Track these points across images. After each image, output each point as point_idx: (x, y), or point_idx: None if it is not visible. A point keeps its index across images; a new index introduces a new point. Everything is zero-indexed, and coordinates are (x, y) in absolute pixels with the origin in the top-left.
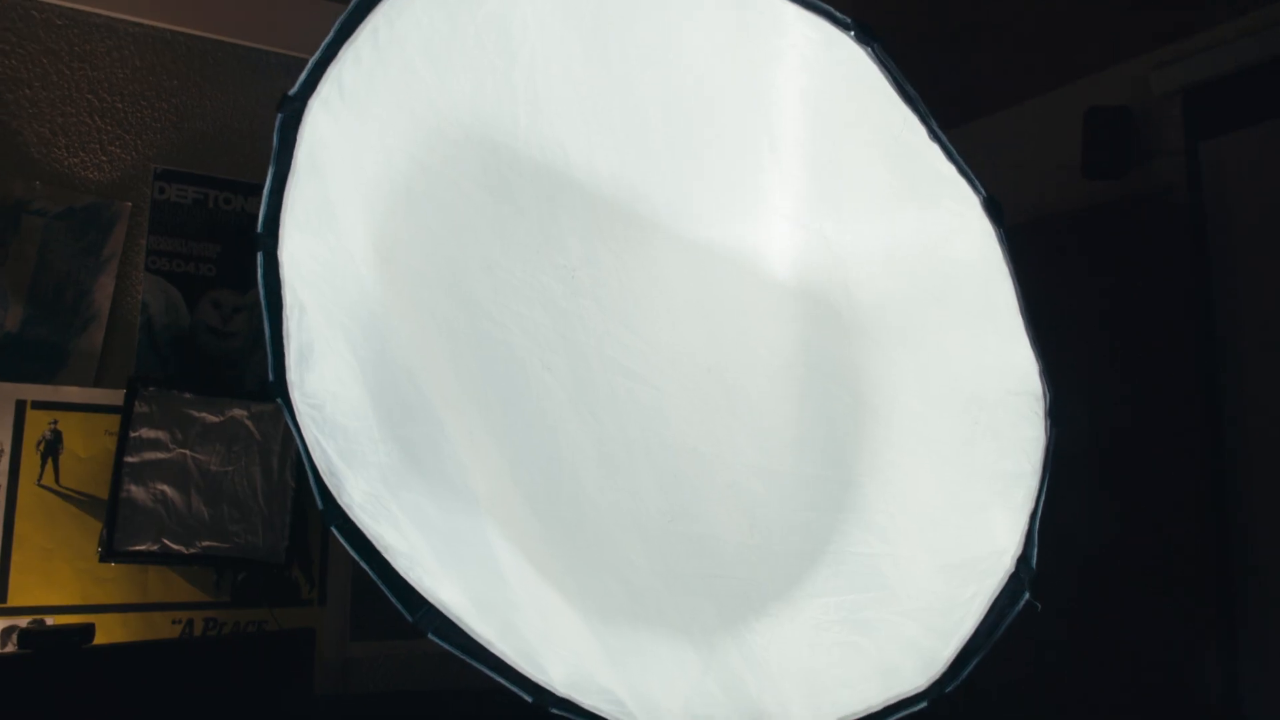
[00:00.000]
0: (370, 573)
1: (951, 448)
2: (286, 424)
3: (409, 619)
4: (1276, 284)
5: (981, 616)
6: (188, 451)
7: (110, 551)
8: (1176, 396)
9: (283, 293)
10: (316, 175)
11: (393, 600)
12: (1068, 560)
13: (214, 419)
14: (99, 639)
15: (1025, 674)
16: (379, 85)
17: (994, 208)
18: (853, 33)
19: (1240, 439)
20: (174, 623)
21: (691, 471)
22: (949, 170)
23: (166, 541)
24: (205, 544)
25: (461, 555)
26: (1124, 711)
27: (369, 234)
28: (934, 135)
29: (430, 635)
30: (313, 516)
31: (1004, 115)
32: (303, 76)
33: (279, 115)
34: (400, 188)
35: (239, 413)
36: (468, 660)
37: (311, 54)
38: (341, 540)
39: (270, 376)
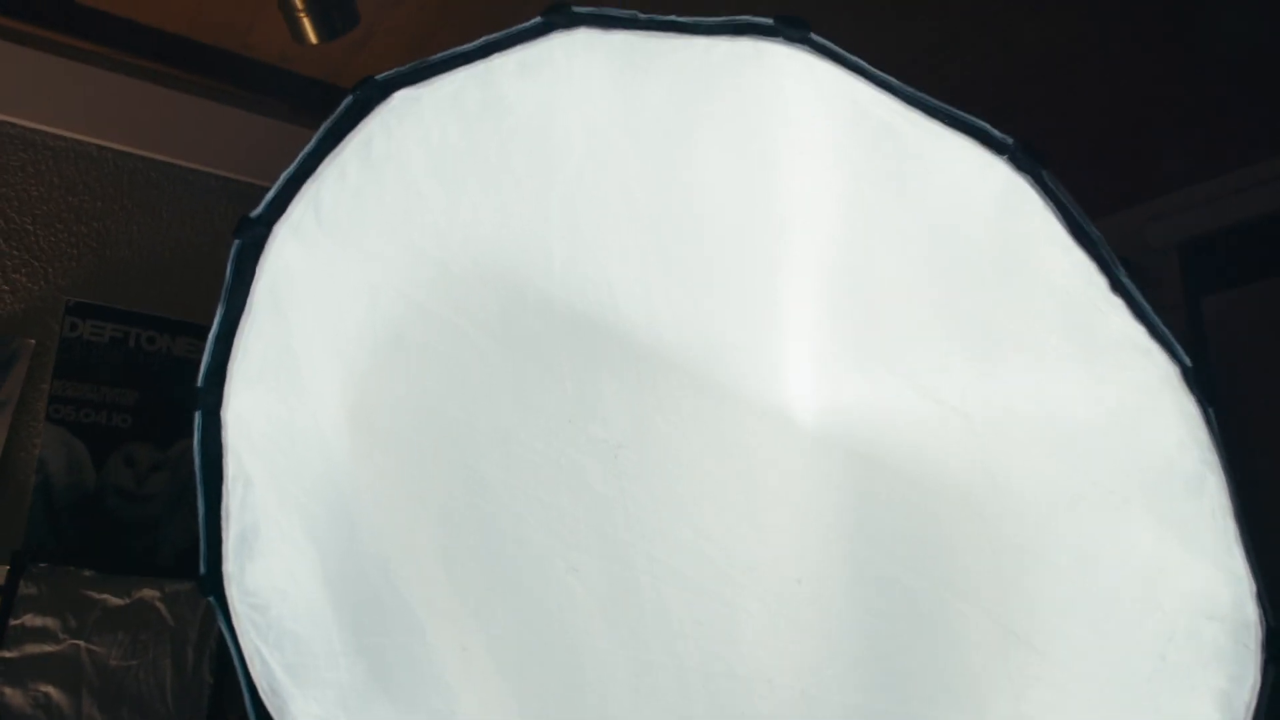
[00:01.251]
0: None
1: (1126, 688)
2: (209, 606)
3: None
4: None
5: None
6: (82, 643)
7: None
8: None
9: (224, 462)
10: (278, 316)
11: None
12: None
13: (118, 601)
14: None
15: None
16: (369, 208)
17: (1201, 380)
18: (1010, 156)
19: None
20: None
21: (764, 710)
22: (1138, 333)
23: None
24: None
25: None
26: None
27: (343, 392)
28: (1117, 287)
29: None
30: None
31: None
32: (270, 194)
33: (236, 241)
34: (388, 337)
35: (149, 594)
36: None
37: (264, 179)
38: None
39: (201, 568)
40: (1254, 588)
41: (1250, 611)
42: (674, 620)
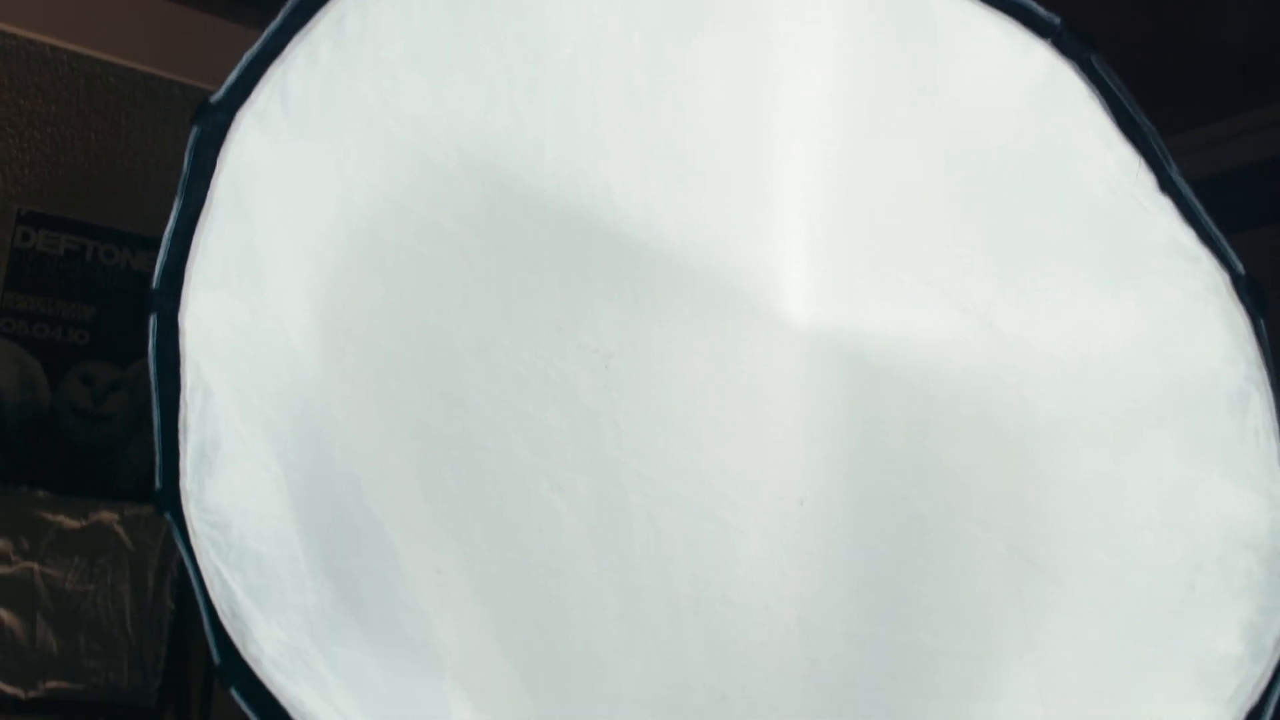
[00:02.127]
0: None
1: (1148, 619)
2: (169, 530)
3: None
4: None
5: None
6: (36, 565)
7: None
8: None
9: (182, 371)
10: (241, 213)
11: None
12: None
13: (74, 524)
14: None
15: None
16: (340, 94)
17: (1252, 291)
18: (1054, 39)
19: None
20: None
21: (759, 638)
22: (1187, 237)
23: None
24: (51, 685)
25: None
26: None
27: (313, 296)
28: (1167, 185)
29: None
30: (194, 647)
31: None
32: (232, 77)
33: (194, 129)
34: (362, 235)
35: (108, 516)
36: None
37: None
38: (244, 706)
39: (158, 483)
40: None
41: None
42: (666, 543)
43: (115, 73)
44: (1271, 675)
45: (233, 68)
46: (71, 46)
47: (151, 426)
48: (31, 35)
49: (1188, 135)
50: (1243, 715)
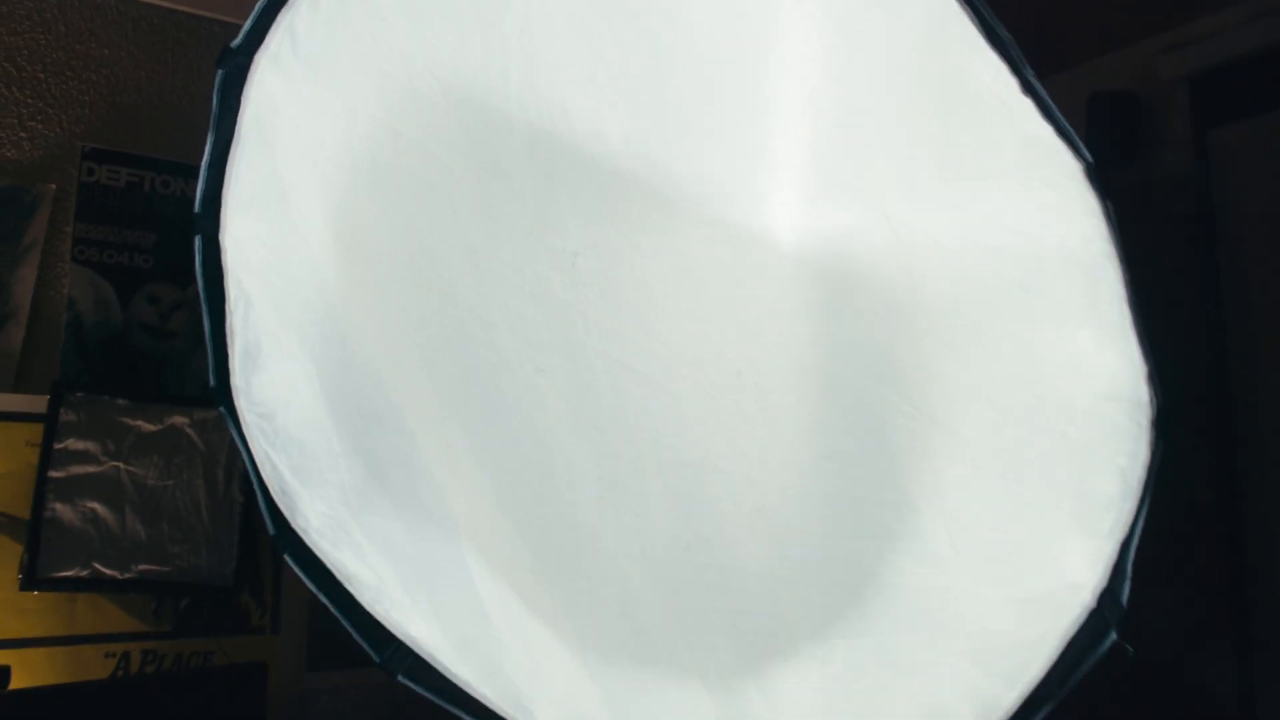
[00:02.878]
0: (331, 607)
1: (1030, 465)
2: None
3: (376, 659)
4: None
5: (1053, 659)
6: (121, 464)
7: (32, 579)
8: (1185, 387)
9: (225, 284)
10: (264, 145)
11: (357, 638)
12: None
13: (151, 428)
14: (19, 681)
15: None
16: (340, 36)
17: (1100, 178)
18: None
19: (1250, 428)
20: (107, 657)
21: (712, 493)
22: (1045, 132)
23: (98, 566)
24: (142, 568)
25: (436, 587)
26: (1137, 713)
27: (327, 214)
28: (1028, 87)
29: (400, 678)
30: (264, 535)
31: None
32: (247, 25)
33: (219, 72)
34: (365, 159)
35: (179, 420)
36: (443, 705)
37: None
38: (296, 570)
39: (211, 381)
40: (1147, 370)
41: (1143, 392)
42: (629, 412)
43: (159, 14)
44: (1137, 508)
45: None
46: None
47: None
48: None
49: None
50: (1118, 545)
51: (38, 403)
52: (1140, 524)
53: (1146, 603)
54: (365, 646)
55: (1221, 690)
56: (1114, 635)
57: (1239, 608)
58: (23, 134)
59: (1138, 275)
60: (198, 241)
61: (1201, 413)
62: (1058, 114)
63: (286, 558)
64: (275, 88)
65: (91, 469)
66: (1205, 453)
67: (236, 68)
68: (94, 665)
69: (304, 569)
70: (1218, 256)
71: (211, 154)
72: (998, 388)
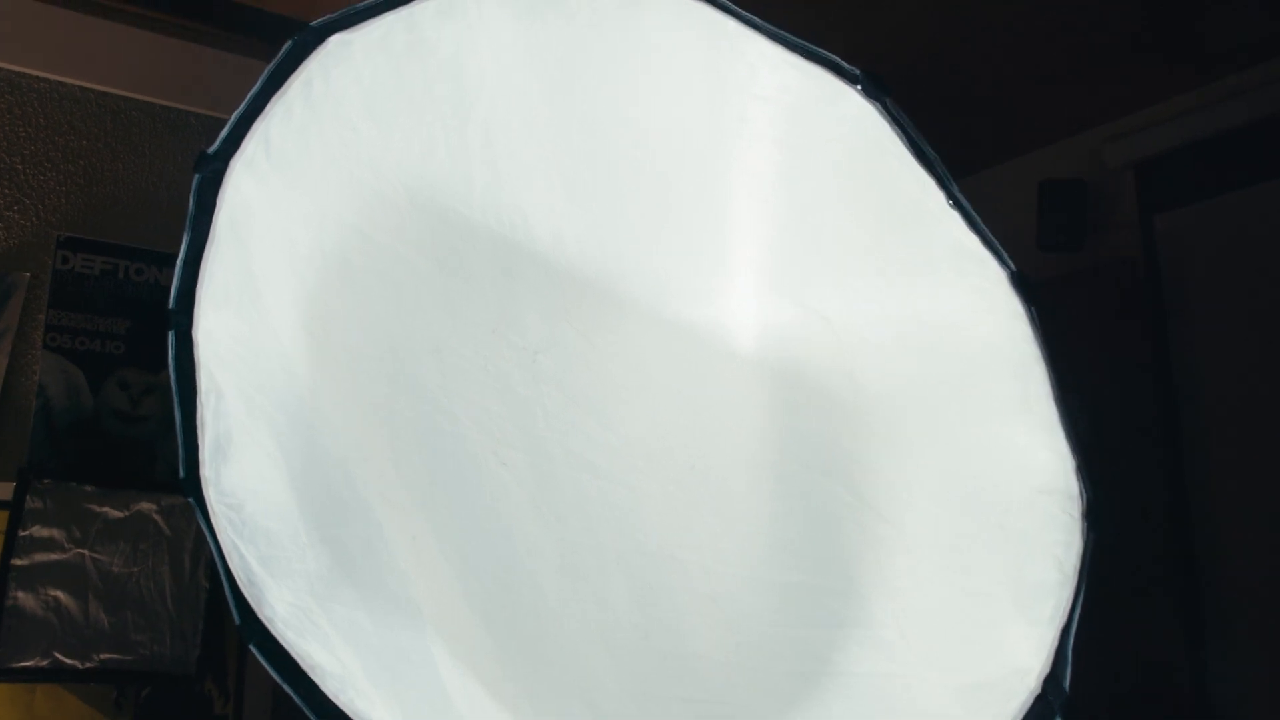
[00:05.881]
0: (295, 697)
1: (971, 555)
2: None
3: None
4: (1233, 354)
5: None
6: (86, 552)
7: None
8: (1137, 468)
9: (197, 377)
10: (238, 244)
11: None
12: None
13: (118, 514)
14: None
15: None
16: (312, 144)
17: (1024, 284)
18: (860, 86)
19: (1206, 504)
20: None
21: (670, 582)
22: (972, 242)
23: (58, 655)
24: (104, 656)
25: (400, 675)
26: (1100, 704)
27: (298, 311)
28: (955, 202)
29: None
30: (229, 621)
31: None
32: (224, 132)
33: (196, 176)
34: (335, 260)
35: (147, 506)
36: None
37: None
38: (262, 660)
39: (181, 472)
40: (1074, 463)
41: (1073, 485)
42: (589, 504)
43: (138, 107)
44: (1074, 594)
45: (240, 98)
46: (98, 86)
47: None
48: (61, 78)
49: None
50: (1059, 632)
51: (3, 490)
52: (1078, 610)
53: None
54: None
55: (1178, 679)
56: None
57: (1194, 607)
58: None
59: (1065, 373)
60: (171, 336)
61: (1154, 490)
62: (982, 225)
63: (253, 648)
64: (249, 191)
65: (56, 556)
66: (1157, 530)
67: (212, 172)
68: None
69: (270, 660)
70: (1167, 333)
71: (187, 252)
72: (936, 481)
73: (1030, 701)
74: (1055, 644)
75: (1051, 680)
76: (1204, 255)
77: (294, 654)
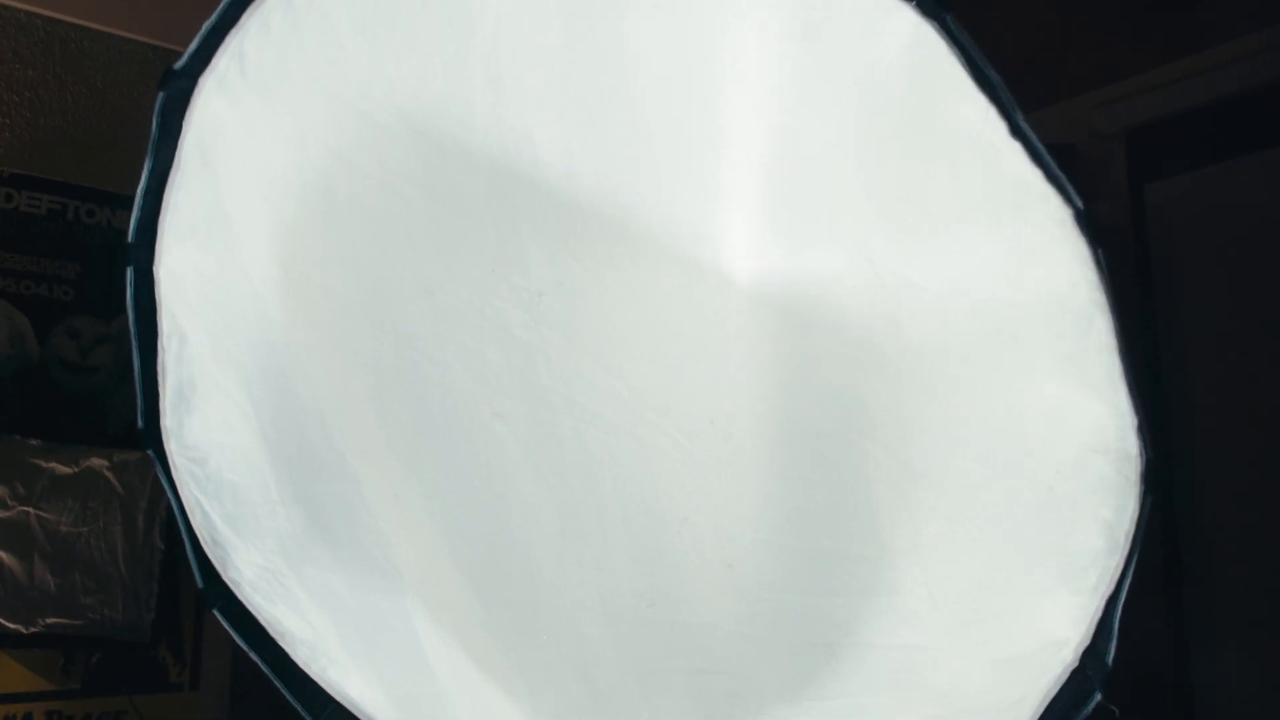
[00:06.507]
0: (263, 665)
1: (1015, 520)
2: (156, 475)
3: None
4: (1220, 324)
5: None
6: (31, 509)
7: None
8: None
9: (158, 318)
10: (207, 171)
11: (291, 700)
12: None
13: (66, 470)
14: None
15: None
16: (292, 61)
17: (1091, 223)
18: (915, 1)
19: (1187, 475)
20: (5, 719)
21: (681, 546)
22: (1034, 176)
23: (1, 620)
24: (50, 621)
25: (378, 644)
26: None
27: (273, 247)
28: (1017, 131)
29: None
30: (185, 584)
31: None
32: (193, 46)
33: (160, 94)
34: (317, 190)
35: (98, 462)
36: None
37: None
38: (227, 626)
39: (139, 422)
40: (1135, 421)
41: (1132, 444)
42: (593, 461)
43: (90, 37)
44: (1124, 564)
45: (198, 25)
46: (46, 12)
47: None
48: (6, 1)
49: None
50: (1104, 602)
51: None
52: (1128, 580)
53: None
54: (299, 708)
55: (1160, 662)
56: (1099, 696)
57: (1175, 592)
58: None
59: (1127, 324)
60: (130, 273)
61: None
62: (1047, 157)
63: (217, 613)
64: (221, 112)
65: None
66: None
67: (179, 91)
68: None
69: (235, 626)
70: (1155, 302)
71: (149, 180)
72: (983, 440)
73: (1065, 676)
74: (1099, 615)
75: (1092, 654)
76: (1195, 225)
77: (262, 619)
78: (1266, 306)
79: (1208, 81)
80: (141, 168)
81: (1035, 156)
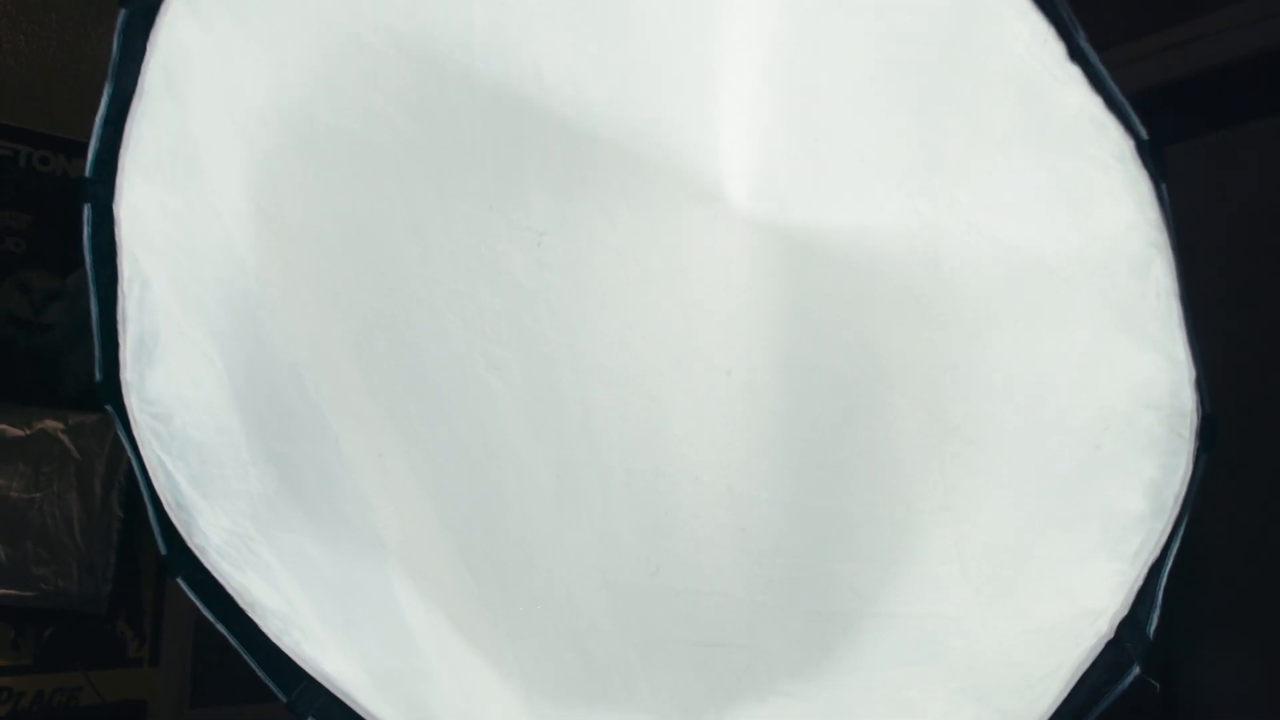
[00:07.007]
0: (230, 638)
1: (1055, 479)
2: (115, 438)
3: (283, 699)
4: (1220, 301)
5: (1063, 695)
6: None
7: None
8: None
9: (118, 261)
10: (174, 99)
11: (262, 675)
12: None
13: (17, 433)
14: None
15: None
16: None
17: (1155, 155)
18: None
19: None
20: None
21: (690, 509)
22: (1094, 105)
23: None
24: (0, 592)
25: (357, 614)
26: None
27: (247, 182)
28: (1076, 54)
29: None
30: (145, 554)
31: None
32: None
33: (122, 11)
34: (296, 118)
35: (52, 425)
36: None
37: None
38: (192, 595)
39: (97, 375)
40: (1193, 374)
41: (1187, 399)
42: (598, 418)
43: None
44: (1171, 529)
45: None
46: None
47: (92, 337)
48: None
49: None
50: (1146, 569)
51: None
52: (1175, 546)
53: None
54: (271, 685)
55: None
56: (1136, 669)
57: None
58: None
59: (1190, 266)
60: (87, 211)
61: None
62: (1109, 83)
63: (181, 582)
64: (189, 33)
65: None
66: None
67: (143, 8)
68: None
69: (200, 595)
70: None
71: (108, 109)
72: (1022, 392)
73: (1100, 647)
74: (1140, 583)
75: (1130, 624)
76: (1211, 189)
77: (230, 588)
78: (1267, 279)
79: (1221, 44)
80: (96, 114)
81: (1096, 82)
